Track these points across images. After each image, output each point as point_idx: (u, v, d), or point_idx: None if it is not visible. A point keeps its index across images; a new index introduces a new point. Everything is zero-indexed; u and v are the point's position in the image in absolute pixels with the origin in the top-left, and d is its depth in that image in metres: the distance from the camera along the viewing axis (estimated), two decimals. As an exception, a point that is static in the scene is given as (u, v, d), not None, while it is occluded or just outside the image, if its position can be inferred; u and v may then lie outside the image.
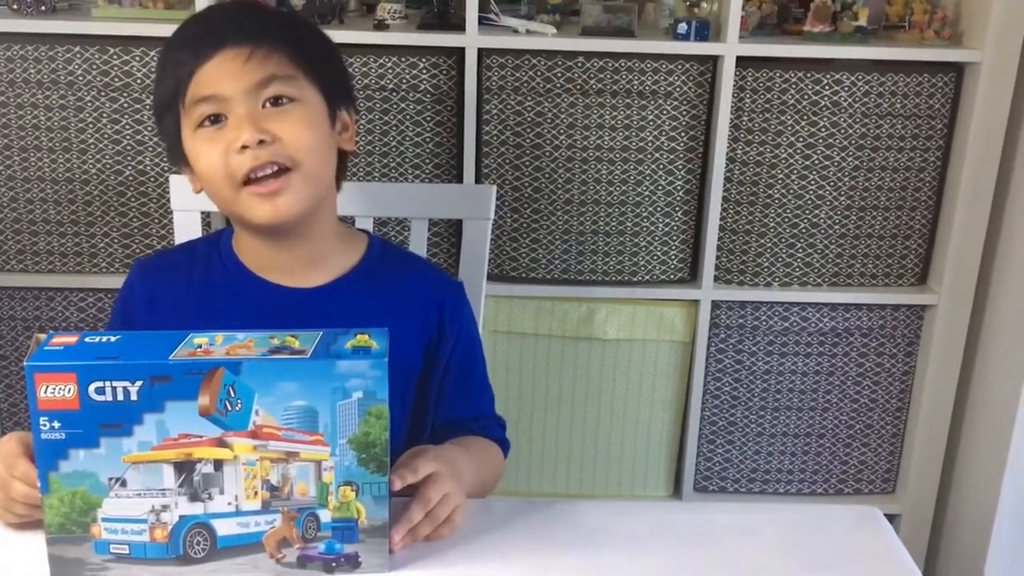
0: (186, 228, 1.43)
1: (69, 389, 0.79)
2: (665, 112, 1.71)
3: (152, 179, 1.70)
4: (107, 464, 0.81)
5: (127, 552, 0.84)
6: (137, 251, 1.73)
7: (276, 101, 1.01)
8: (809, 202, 1.76)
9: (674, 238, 1.79)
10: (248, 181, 1.00)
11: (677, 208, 1.77)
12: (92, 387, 0.79)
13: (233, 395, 0.80)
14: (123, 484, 0.82)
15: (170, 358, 0.80)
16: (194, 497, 0.83)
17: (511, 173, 1.73)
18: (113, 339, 0.82)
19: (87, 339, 0.82)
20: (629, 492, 1.92)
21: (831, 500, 1.94)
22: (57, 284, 1.75)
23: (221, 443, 0.82)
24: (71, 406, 0.79)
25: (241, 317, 1.07)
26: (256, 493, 0.84)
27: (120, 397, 0.79)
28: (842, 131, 1.72)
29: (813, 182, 1.75)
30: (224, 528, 0.84)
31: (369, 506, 0.85)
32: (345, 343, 0.83)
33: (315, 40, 1.09)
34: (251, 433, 0.82)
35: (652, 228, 1.77)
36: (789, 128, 1.71)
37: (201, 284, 1.11)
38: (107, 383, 0.79)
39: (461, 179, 1.72)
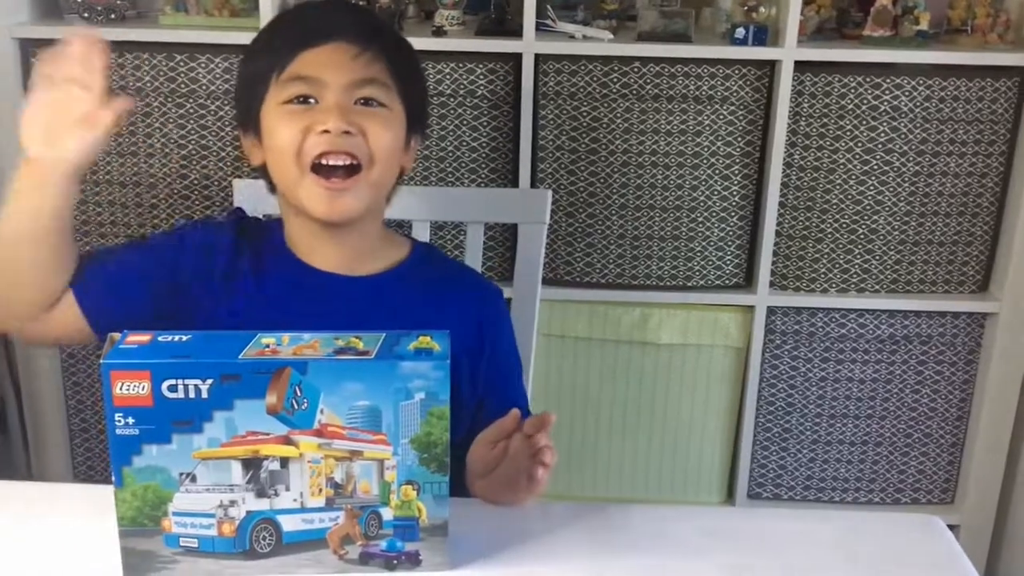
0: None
1: (143, 386, 0.81)
2: (722, 117, 1.70)
3: (216, 183, 1.74)
4: (178, 460, 0.83)
5: (196, 546, 0.86)
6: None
7: (367, 102, 1.04)
8: (868, 207, 1.74)
9: (729, 243, 1.78)
10: (317, 168, 1.02)
11: (733, 213, 1.76)
12: (165, 385, 0.81)
13: (299, 394, 0.82)
14: (193, 479, 0.84)
15: (239, 357, 0.82)
16: (261, 493, 0.85)
17: (566, 178, 1.74)
18: (184, 338, 0.85)
19: (160, 338, 0.85)
20: (682, 497, 1.92)
21: (888, 509, 1.92)
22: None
23: (287, 441, 0.83)
24: (145, 403, 0.82)
25: (285, 297, 1.10)
26: (320, 490, 0.85)
27: (192, 395, 0.81)
28: (902, 136, 1.70)
29: (872, 187, 1.73)
30: (289, 524, 0.86)
31: (430, 505, 0.87)
32: (408, 344, 0.85)
33: (413, 61, 1.14)
34: (316, 432, 0.83)
35: (707, 233, 1.77)
36: (848, 133, 1.70)
37: (254, 257, 1.12)
38: (179, 381, 0.81)
39: (517, 184, 1.73)
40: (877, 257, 1.78)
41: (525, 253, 1.47)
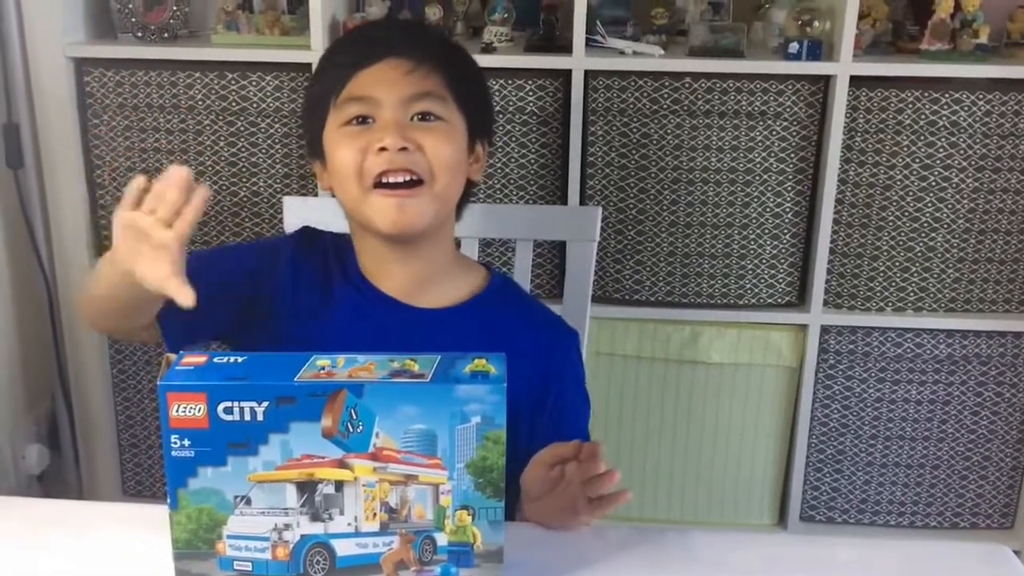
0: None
1: (199, 408, 0.81)
2: (774, 133, 1.68)
3: (265, 200, 1.74)
4: (233, 482, 0.83)
5: (250, 569, 0.85)
6: (249, 270, 1.78)
7: (424, 117, 1.04)
8: (925, 224, 1.70)
9: (782, 261, 1.75)
10: (379, 184, 1.02)
11: (785, 230, 1.73)
12: (221, 407, 0.80)
13: (355, 417, 0.81)
14: (248, 502, 0.83)
15: (295, 380, 0.81)
16: (315, 517, 0.84)
17: (616, 195, 1.73)
18: (239, 360, 0.84)
19: (215, 359, 0.84)
20: (732, 519, 1.88)
21: (945, 534, 1.87)
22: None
23: (342, 464, 0.82)
24: (201, 425, 0.81)
25: (351, 322, 1.09)
26: (375, 515, 0.84)
27: (247, 417, 0.81)
28: (961, 152, 1.66)
29: (930, 204, 1.69)
30: (343, 548, 0.85)
31: (485, 531, 0.85)
32: (464, 367, 0.83)
33: (470, 69, 1.12)
34: (371, 455, 0.82)
35: (759, 251, 1.74)
36: (905, 149, 1.67)
37: (322, 278, 1.12)
38: (235, 403, 0.80)
39: (566, 201, 1.72)
40: (935, 275, 1.74)
41: (574, 271, 1.45)
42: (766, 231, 1.73)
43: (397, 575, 0.86)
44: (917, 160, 1.67)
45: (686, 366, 1.80)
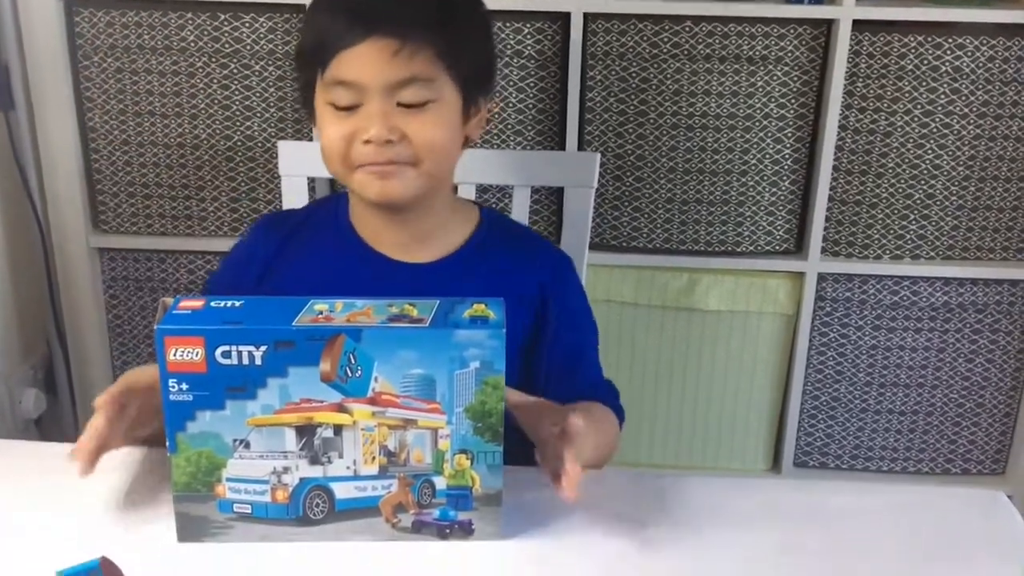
0: (293, 193, 1.44)
1: (197, 352, 0.81)
2: (775, 78, 1.66)
3: (260, 144, 1.72)
4: (232, 426, 0.83)
5: (249, 511, 0.86)
6: (245, 215, 1.77)
7: (411, 104, 1.00)
8: (925, 172, 1.69)
9: (780, 208, 1.74)
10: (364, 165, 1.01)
11: (785, 177, 1.72)
12: (219, 351, 0.81)
13: (353, 362, 0.81)
14: (247, 446, 0.84)
15: (293, 324, 0.81)
16: (314, 460, 0.84)
17: (614, 140, 1.71)
18: (237, 304, 0.84)
19: (213, 303, 0.84)
20: (727, 465, 1.90)
21: (937, 480, 1.88)
22: (168, 247, 1.80)
23: (341, 408, 0.83)
24: (198, 369, 0.81)
25: (352, 287, 1.08)
26: (374, 458, 0.85)
27: (245, 361, 0.81)
28: (963, 98, 1.64)
29: (930, 151, 1.68)
30: (342, 491, 0.86)
31: (484, 475, 0.86)
32: (463, 312, 0.83)
33: (468, 30, 1.06)
34: (370, 400, 0.83)
35: (758, 198, 1.73)
36: (906, 95, 1.65)
37: (317, 250, 1.12)
38: (233, 347, 0.81)
39: (564, 146, 1.70)
40: (933, 223, 1.73)
41: (572, 217, 1.44)
42: (765, 178, 1.71)
43: (396, 518, 0.87)
44: (918, 106, 1.65)
45: (683, 313, 1.80)
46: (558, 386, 1.08)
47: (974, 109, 1.65)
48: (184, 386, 0.82)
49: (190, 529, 0.86)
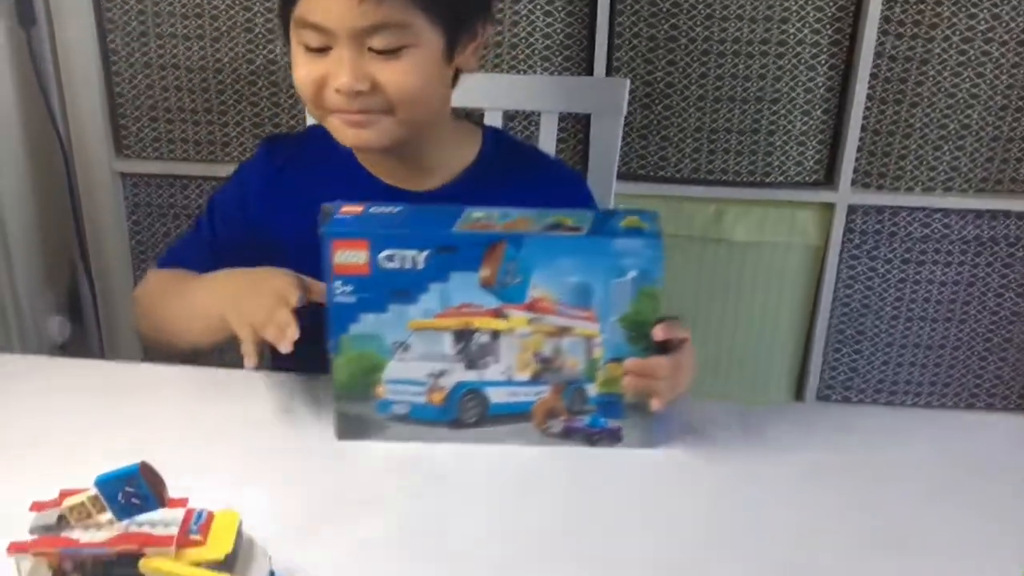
0: (318, 118, 1.43)
1: (361, 255, 0.83)
2: (810, 2, 1.61)
3: (282, 68, 1.70)
4: (393, 329, 0.85)
5: (407, 412, 0.88)
6: (267, 141, 1.75)
7: (382, 50, 0.94)
8: (961, 101, 1.65)
9: (811, 137, 1.71)
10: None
11: (817, 106, 1.68)
12: (383, 254, 0.83)
13: (513, 268, 0.83)
14: (406, 348, 0.86)
15: (454, 229, 0.83)
16: (471, 364, 0.87)
17: (643, 67, 1.67)
18: (395, 210, 0.86)
19: (372, 209, 0.86)
20: (750, 396, 1.90)
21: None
22: (190, 172, 1.79)
23: (499, 314, 0.85)
24: (362, 271, 0.83)
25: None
26: (528, 364, 0.87)
27: (408, 265, 0.83)
28: (1003, 24, 1.60)
29: (967, 79, 1.64)
30: (496, 396, 0.88)
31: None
32: (618, 223, 0.84)
33: None
34: (527, 306, 0.84)
35: (789, 127, 1.69)
36: (945, 20, 1.60)
37: (318, 175, 1.09)
38: (396, 251, 0.83)
39: (592, 72, 1.67)
40: (967, 154, 1.70)
41: (599, 145, 1.42)
42: (797, 106, 1.68)
43: (546, 423, 0.89)
44: (957, 32, 1.61)
45: (710, 244, 1.78)
46: None
47: (1015, 36, 1.60)
48: (348, 288, 0.84)
49: (349, 428, 0.89)
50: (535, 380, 0.87)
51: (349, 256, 0.83)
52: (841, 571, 0.77)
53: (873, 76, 1.65)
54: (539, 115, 1.39)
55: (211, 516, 0.69)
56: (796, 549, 0.79)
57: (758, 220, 1.75)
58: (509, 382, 0.87)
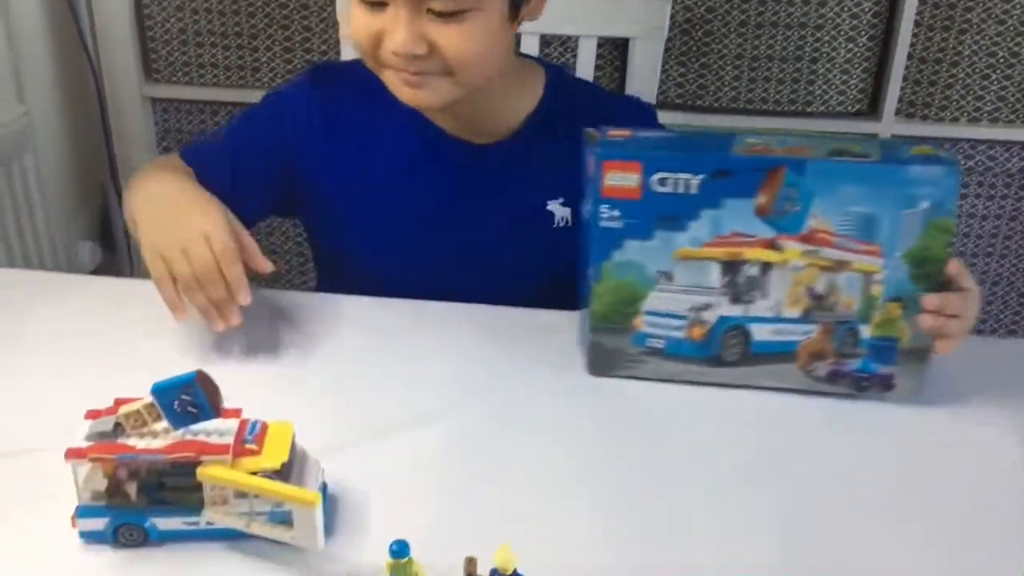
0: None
1: (633, 178, 0.78)
2: (859, -76, 1.56)
3: (315, -9, 1.66)
4: (657, 257, 0.81)
5: (662, 347, 0.84)
6: (299, 66, 1.72)
7: (442, 12, 0.88)
8: (1011, 28, 1.60)
9: (856, 66, 1.66)
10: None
11: (863, 32, 1.64)
12: (655, 178, 0.78)
13: (793, 196, 0.77)
14: (669, 279, 0.81)
15: (732, 153, 0.78)
16: (736, 299, 0.81)
17: (684, -9, 1.63)
18: (665, 135, 0.82)
19: (640, 133, 0.82)
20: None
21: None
22: (220, 97, 1.77)
23: (772, 245, 0.79)
24: (633, 195, 0.79)
25: (408, 164, 1.03)
26: (798, 301, 0.81)
27: (680, 190, 0.78)
28: (1060, -53, 1.54)
29: (1019, 5, 1.59)
30: (760, 333, 0.82)
31: (915, 326, 0.80)
32: (908, 151, 0.78)
33: None
34: (804, 237, 0.78)
35: (833, 54, 1.65)
36: (999, -57, 1.55)
37: (373, 118, 1.03)
38: (670, 175, 0.78)
39: (631, -4, 1.63)
40: (1015, 83, 1.65)
41: (638, 71, 1.39)
42: (842, 32, 1.63)
43: (812, 365, 0.83)
44: (1011, -44, 1.56)
45: (747, 175, 1.75)
46: None
47: (1071, -40, 1.55)
48: (616, 212, 0.80)
49: (602, 362, 0.86)
50: (804, 318, 0.80)
51: (620, 179, 0.78)
52: None
53: (921, 1, 1.60)
54: (576, 40, 1.36)
55: (265, 426, 0.68)
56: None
57: (798, 151, 1.71)
58: (776, 319, 0.81)
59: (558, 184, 1.01)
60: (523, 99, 1.03)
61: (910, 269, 0.78)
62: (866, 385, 0.82)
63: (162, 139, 1.81)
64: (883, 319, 0.80)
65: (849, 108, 1.69)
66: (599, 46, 1.62)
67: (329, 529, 0.67)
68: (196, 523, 0.66)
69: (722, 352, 0.83)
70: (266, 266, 0.89)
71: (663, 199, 0.78)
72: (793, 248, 0.79)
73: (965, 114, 1.68)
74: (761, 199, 0.77)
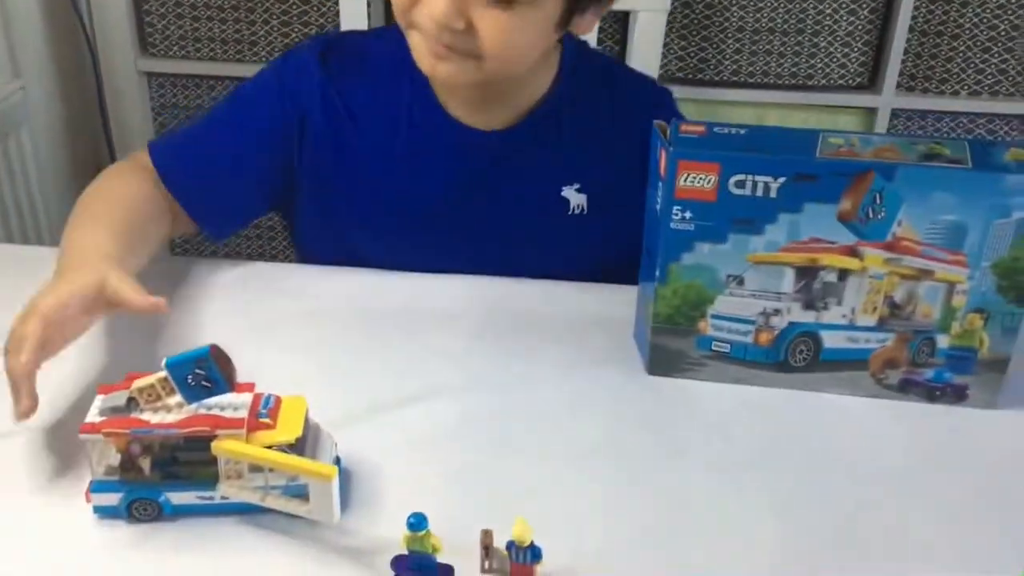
0: (352, 15, 1.39)
1: (710, 180, 0.75)
2: None
3: (313, -37, 1.65)
4: (730, 261, 0.78)
5: (727, 351, 0.82)
6: (296, 39, 1.71)
7: None
8: (1013, 1, 1.60)
9: (857, 39, 1.66)
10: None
11: (864, 5, 1.63)
12: (733, 180, 0.75)
13: (879, 202, 0.74)
14: (740, 283, 0.79)
15: (816, 155, 0.74)
16: (808, 305, 0.79)
17: (685, -37, 1.62)
18: (741, 132, 0.78)
19: (715, 129, 0.78)
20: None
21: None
22: (216, 72, 1.75)
23: (852, 252, 0.76)
24: (708, 197, 0.76)
25: (411, 148, 0.98)
26: (875, 309, 0.78)
27: (759, 192, 0.75)
28: (1063, -81, 1.54)
29: (1021, -22, 1.58)
30: (831, 340, 0.80)
31: (995, 337, 0.78)
32: (1002, 156, 0.75)
33: None
34: (887, 245, 0.76)
35: (834, 27, 1.64)
36: (1003, -86, 1.54)
37: (380, 96, 0.98)
38: (749, 177, 0.75)
39: (632, -32, 1.61)
40: (1016, 56, 1.65)
41: (640, 45, 1.38)
42: (843, 5, 1.62)
43: (884, 374, 0.81)
44: (1014, -72, 1.55)
45: (747, 149, 1.75)
46: None
47: (1074, -69, 1.55)
48: (688, 215, 0.77)
49: (662, 362, 0.84)
50: (880, 326, 0.79)
51: (695, 180, 0.75)
52: None
53: (923, -26, 1.60)
54: (580, 11, 1.35)
55: (279, 401, 0.68)
56: None
57: (799, 124, 1.71)
58: (850, 326, 0.79)
59: (573, 169, 0.98)
60: (539, 81, 0.98)
61: (997, 280, 0.76)
62: (939, 395, 0.81)
63: (158, 114, 1.79)
64: (963, 329, 0.78)
65: (850, 81, 1.69)
66: (601, 20, 1.61)
67: (343, 503, 0.67)
68: (210, 497, 0.66)
69: (789, 358, 0.81)
70: (143, 304, 0.73)
71: (740, 201, 0.75)
72: (875, 255, 0.76)
73: (966, 87, 1.68)
74: (845, 204, 0.74)
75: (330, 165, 0.99)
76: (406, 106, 0.97)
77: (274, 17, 1.69)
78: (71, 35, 1.68)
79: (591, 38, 1.41)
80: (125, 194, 0.93)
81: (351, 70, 0.98)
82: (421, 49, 0.88)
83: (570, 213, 0.99)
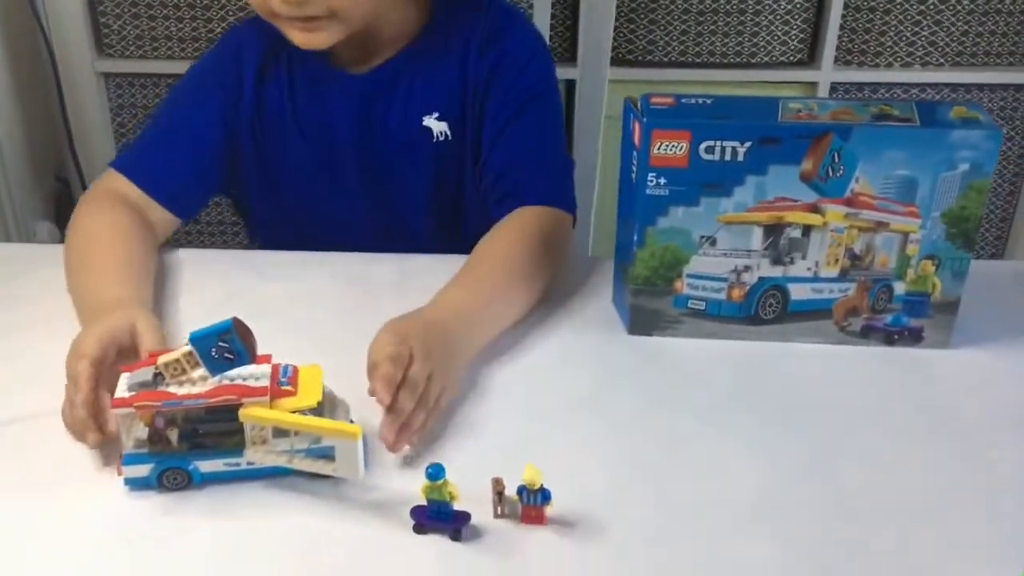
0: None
1: (681, 147, 0.80)
2: None
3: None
4: (702, 222, 0.84)
5: (703, 308, 0.88)
6: (254, 36, 1.73)
7: None
8: (940, -24, 1.69)
9: (796, 17, 1.73)
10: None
11: (801, -16, 1.71)
12: (703, 146, 0.80)
13: (837, 161, 0.80)
14: (713, 243, 0.85)
15: (778, 120, 0.80)
16: (776, 260, 0.85)
17: (630, -51, 1.68)
18: (708, 101, 0.83)
19: (683, 100, 0.83)
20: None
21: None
22: (174, 71, 1.76)
23: (815, 209, 0.82)
24: (680, 163, 0.81)
25: (299, 102, 1.06)
26: (837, 261, 0.85)
27: (728, 157, 0.80)
28: None
29: (946, -46, 1.67)
30: (798, 292, 0.86)
31: (946, 281, 0.86)
32: (947, 114, 0.81)
33: None
34: (846, 200, 0.82)
35: (774, 6, 1.72)
36: None
37: (282, 55, 1.06)
38: (718, 142, 0.80)
39: (579, -45, 1.67)
40: (944, 28, 1.74)
41: (590, 28, 1.43)
42: (781, -15, 1.70)
43: (846, 321, 0.87)
44: (938, -93, 1.63)
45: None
46: (489, 168, 1.04)
47: (993, -91, 1.64)
48: (662, 180, 0.82)
49: (642, 322, 0.89)
50: (842, 277, 0.85)
51: (668, 148, 0.80)
52: None
53: (855, -48, 1.68)
54: (533, -2, 1.40)
55: (296, 370, 0.72)
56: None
57: (744, 101, 1.78)
58: (814, 278, 0.85)
59: (437, 100, 1.04)
60: (408, 18, 1.05)
61: (946, 229, 0.83)
62: (897, 338, 0.88)
63: (116, 115, 1.80)
64: (917, 275, 0.85)
65: (791, 58, 1.77)
66: (552, 5, 1.67)
67: (362, 462, 0.72)
68: (237, 464, 0.70)
69: (759, 311, 0.87)
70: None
71: (710, 166, 0.81)
72: (835, 211, 0.82)
73: (898, 60, 1.77)
74: (807, 165, 0.80)
75: (267, 123, 1.07)
76: (309, 64, 1.06)
77: (230, 15, 1.71)
78: (29, 38, 1.69)
79: (544, 20, 1.46)
80: (114, 233, 0.97)
81: (280, 40, 1.03)
82: (292, 32, 0.96)
83: (435, 140, 1.05)
